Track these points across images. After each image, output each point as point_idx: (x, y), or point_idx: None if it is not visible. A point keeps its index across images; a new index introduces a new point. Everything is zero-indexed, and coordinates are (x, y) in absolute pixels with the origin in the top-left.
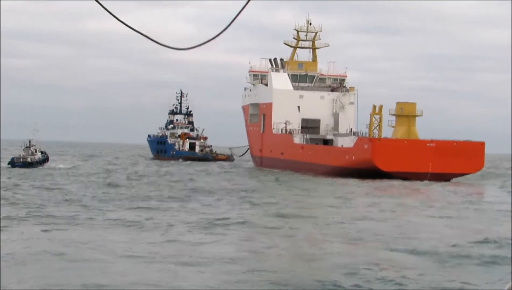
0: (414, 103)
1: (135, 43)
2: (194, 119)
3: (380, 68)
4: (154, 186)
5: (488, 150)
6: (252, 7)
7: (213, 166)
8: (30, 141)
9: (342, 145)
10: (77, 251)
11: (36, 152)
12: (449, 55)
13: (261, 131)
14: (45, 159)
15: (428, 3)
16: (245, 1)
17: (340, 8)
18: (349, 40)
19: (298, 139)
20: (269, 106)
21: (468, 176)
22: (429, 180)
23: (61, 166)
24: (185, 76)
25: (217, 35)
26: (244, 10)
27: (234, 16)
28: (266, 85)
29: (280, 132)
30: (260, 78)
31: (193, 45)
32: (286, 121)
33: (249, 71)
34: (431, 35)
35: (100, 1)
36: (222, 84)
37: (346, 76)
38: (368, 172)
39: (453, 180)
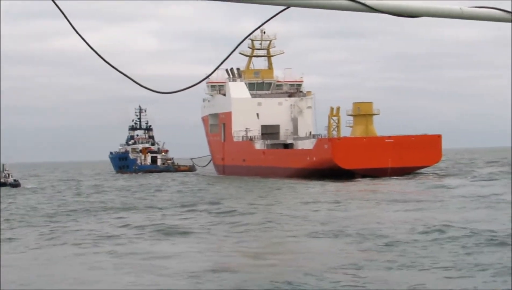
0: (371, 103)
1: (98, 61)
2: (155, 133)
3: (345, 71)
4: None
5: (450, 145)
6: (215, 18)
7: (174, 176)
8: (3, 165)
9: (302, 148)
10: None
11: (9, 176)
12: (412, 54)
13: (222, 140)
14: (17, 185)
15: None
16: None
17: (302, 14)
18: (312, 45)
19: (259, 145)
20: (228, 115)
21: (428, 168)
22: (390, 174)
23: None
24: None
25: (207, 77)
26: (211, 23)
27: (226, 56)
28: (224, 95)
29: (240, 139)
30: (218, 88)
31: (177, 89)
32: (246, 128)
33: (207, 82)
34: (394, 35)
35: (79, 33)
36: (183, 96)
37: (302, 81)
38: (329, 171)
39: (426, 176)
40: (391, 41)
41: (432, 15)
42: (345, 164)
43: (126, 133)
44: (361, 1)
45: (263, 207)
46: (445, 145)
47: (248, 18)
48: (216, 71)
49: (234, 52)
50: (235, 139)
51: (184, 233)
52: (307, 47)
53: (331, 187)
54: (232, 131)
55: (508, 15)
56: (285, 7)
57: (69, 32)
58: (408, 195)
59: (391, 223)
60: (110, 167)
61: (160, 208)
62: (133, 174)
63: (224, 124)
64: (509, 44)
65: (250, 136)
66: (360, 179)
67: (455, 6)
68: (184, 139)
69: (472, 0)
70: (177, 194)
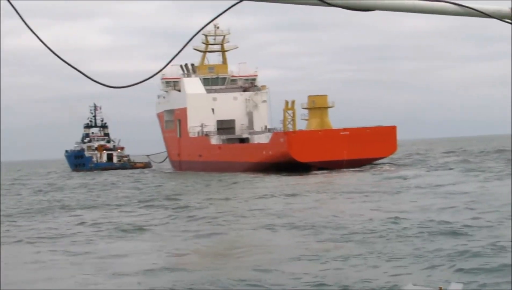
0: (325, 96)
1: (53, 59)
2: (110, 130)
3: (300, 64)
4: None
5: (405, 136)
6: (167, 13)
7: (130, 173)
8: None
9: (258, 142)
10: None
11: None
12: (366, 45)
13: (178, 136)
14: None
15: None
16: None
17: (256, 8)
18: (267, 39)
19: (215, 140)
20: (183, 111)
21: (384, 160)
22: (345, 167)
23: None
24: (104, 87)
25: (159, 71)
26: (165, 19)
27: (178, 50)
28: (179, 91)
29: (196, 135)
30: (172, 84)
31: (129, 84)
32: (202, 124)
33: (161, 79)
34: (348, 28)
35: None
36: (139, 92)
37: (256, 75)
38: (286, 164)
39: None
40: (345, 33)
41: (385, 8)
42: (301, 157)
43: (81, 131)
44: None
45: (220, 202)
46: (400, 136)
47: (202, 13)
48: (171, 67)
49: (188, 48)
50: (190, 135)
51: (140, 230)
52: (262, 41)
53: (288, 180)
54: (188, 127)
55: (461, 9)
56: (238, 0)
57: (22, 31)
58: (364, 187)
59: (348, 215)
60: (66, 165)
61: (117, 205)
62: (89, 172)
63: (179, 120)
64: (462, 35)
65: (206, 132)
66: (316, 172)
67: (407, 0)
68: (140, 136)
69: None
70: (134, 191)
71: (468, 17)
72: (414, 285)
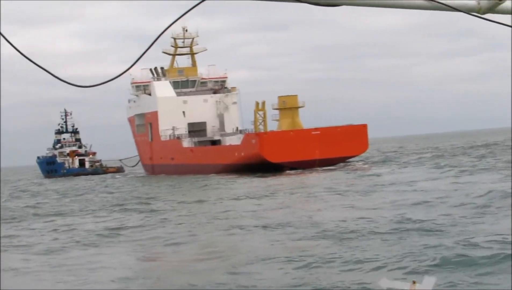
0: (296, 96)
1: (21, 65)
2: (82, 135)
3: (272, 64)
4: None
5: (376, 134)
6: (138, 15)
7: (102, 178)
8: None
9: (230, 144)
10: None
11: None
12: (338, 44)
13: (150, 140)
14: None
15: None
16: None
17: (227, 8)
18: (237, 40)
19: (186, 143)
20: (154, 114)
21: (356, 158)
22: (318, 166)
23: None
24: (75, 92)
25: (124, 71)
26: (133, 21)
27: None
28: (150, 94)
29: (168, 138)
30: (143, 88)
31: (96, 83)
32: (173, 127)
33: (131, 83)
34: (319, 27)
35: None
36: (110, 97)
37: (226, 77)
38: (258, 165)
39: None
40: (317, 32)
41: (352, 4)
42: (273, 157)
43: (52, 137)
44: None
45: (193, 205)
46: (372, 134)
47: (172, 15)
48: (141, 71)
49: (158, 51)
50: (162, 138)
51: (114, 236)
52: (233, 42)
53: (261, 181)
54: (159, 130)
55: (429, 3)
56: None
57: None
58: (336, 186)
59: (321, 214)
60: (38, 172)
61: (91, 211)
62: (62, 177)
63: (151, 124)
64: (432, 31)
65: (177, 135)
66: (289, 172)
67: None
68: (111, 140)
69: None
70: (106, 196)
71: (439, 13)
72: (388, 280)
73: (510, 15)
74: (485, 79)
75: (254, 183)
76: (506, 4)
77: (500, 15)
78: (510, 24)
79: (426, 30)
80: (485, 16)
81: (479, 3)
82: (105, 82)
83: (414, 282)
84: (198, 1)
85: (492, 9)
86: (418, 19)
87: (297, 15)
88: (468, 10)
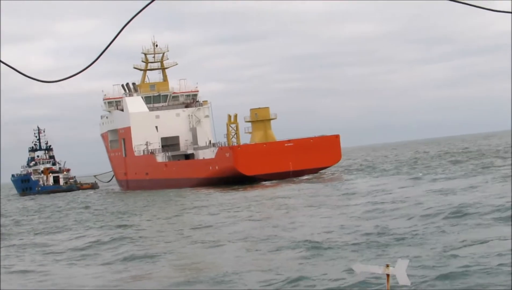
0: (267, 108)
1: None
2: (56, 152)
3: (245, 75)
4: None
5: (350, 143)
6: (109, 30)
7: (77, 195)
8: None
9: (203, 158)
10: None
11: None
12: (310, 53)
13: (123, 155)
14: None
15: (283, 4)
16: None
17: (196, 22)
18: (210, 52)
19: (160, 157)
20: (127, 130)
21: (330, 168)
22: (292, 177)
23: None
24: (50, 109)
25: (86, 68)
26: (105, 37)
27: (103, 49)
28: (122, 110)
29: (142, 153)
30: (115, 104)
31: (61, 78)
32: (147, 142)
33: (104, 99)
34: (291, 37)
35: None
36: (85, 113)
37: (197, 91)
38: (233, 179)
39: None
40: (287, 42)
41: None
42: (248, 171)
43: (26, 155)
44: None
45: (168, 219)
46: (345, 143)
47: (143, 30)
48: (112, 87)
49: (129, 67)
50: (136, 154)
51: (89, 254)
52: (204, 54)
53: (235, 194)
54: (133, 146)
55: None
56: (150, 1)
57: None
58: (310, 196)
59: (294, 224)
60: (13, 190)
61: (66, 229)
62: (37, 195)
63: (124, 139)
64: (405, 38)
65: (151, 150)
66: (264, 183)
67: None
68: (85, 157)
69: None
70: (81, 213)
71: (413, 19)
72: (362, 264)
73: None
74: (459, 85)
75: (229, 196)
76: None
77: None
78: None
79: (399, 38)
80: None
81: None
82: (68, 77)
83: (387, 266)
84: (149, 1)
85: None
86: (391, 27)
87: (268, 26)
88: None
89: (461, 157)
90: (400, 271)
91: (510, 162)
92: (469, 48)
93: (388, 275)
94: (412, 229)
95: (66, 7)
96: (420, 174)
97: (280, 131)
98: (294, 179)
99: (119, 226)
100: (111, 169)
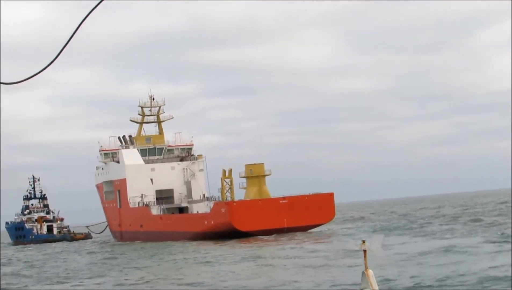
0: (262, 164)
1: None
2: (50, 201)
3: (240, 128)
4: None
5: (342, 199)
6: (107, 81)
7: (71, 246)
8: None
9: (197, 211)
10: None
11: None
12: (307, 108)
13: (118, 207)
14: None
15: (280, 58)
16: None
17: (193, 74)
18: (206, 104)
19: (155, 210)
20: (123, 182)
21: (323, 226)
22: (286, 233)
23: None
24: (46, 157)
25: (50, 64)
26: (103, 87)
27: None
28: (118, 162)
29: (137, 205)
30: (111, 156)
31: (22, 79)
32: (142, 194)
33: (100, 150)
34: (288, 90)
35: None
36: (80, 162)
37: (192, 144)
38: (228, 234)
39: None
40: (284, 96)
41: None
42: (243, 226)
43: (19, 202)
44: None
45: (166, 271)
46: (339, 199)
47: (139, 80)
48: (109, 139)
49: (126, 119)
50: (131, 205)
51: None
52: (201, 106)
53: (228, 249)
54: (128, 197)
55: None
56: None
57: None
58: (304, 254)
59: (283, 283)
60: (6, 237)
61: (63, 278)
62: (31, 243)
63: (119, 191)
64: (402, 95)
65: (146, 202)
66: (256, 239)
67: None
68: (78, 205)
69: None
70: (78, 263)
71: (409, 76)
72: (339, 242)
73: None
74: (456, 143)
75: (223, 250)
76: None
77: None
78: None
79: (396, 95)
80: None
81: None
82: (29, 78)
83: (363, 242)
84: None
85: None
86: (388, 84)
87: (266, 80)
88: None
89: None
90: (376, 245)
91: None
92: (467, 105)
93: (365, 251)
94: None
95: (63, 56)
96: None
97: (275, 186)
98: (287, 235)
99: (118, 277)
100: (103, 220)
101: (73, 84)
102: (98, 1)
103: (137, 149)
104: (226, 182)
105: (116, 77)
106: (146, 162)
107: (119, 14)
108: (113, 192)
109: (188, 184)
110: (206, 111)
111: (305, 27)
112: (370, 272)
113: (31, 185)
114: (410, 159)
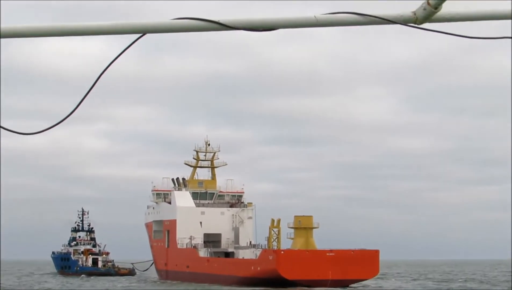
0: (311, 217)
1: (46, 160)
2: (97, 234)
3: (293, 178)
4: None
5: (389, 256)
6: (166, 122)
7: (118, 281)
8: None
9: (243, 257)
10: None
11: None
12: (361, 163)
13: (166, 246)
14: None
15: (339, 112)
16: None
17: (253, 120)
18: (263, 152)
19: (203, 252)
20: (173, 222)
21: (367, 281)
22: (330, 286)
23: None
24: (98, 191)
25: (72, 112)
26: (162, 127)
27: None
28: (170, 203)
29: (185, 246)
30: (163, 196)
31: (40, 129)
32: (191, 236)
33: (152, 190)
34: (343, 144)
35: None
36: (131, 198)
37: (243, 192)
38: (273, 281)
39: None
40: (339, 149)
41: (287, 26)
42: (289, 275)
43: (66, 233)
44: (215, 20)
45: None
46: (384, 256)
47: (198, 124)
48: (162, 180)
49: (181, 162)
50: (179, 246)
51: None
52: (256, 153)
53: None
54: (177, 238)
55: (363, 18)
56: (141, 34)
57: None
58: None
59: None
60: (51, 266)
61: None
62: (75, 275)
63: (168, 231)
64: (457, 158)
65: (194, 244)
66: (302, 288)
67: (309, 15)
68: (125, 241)
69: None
70: None
71: (466, 139)
72: None
73: (448, 23)
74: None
75: None
76: (441, 13)
77: (437, 24)
78: (447, 32)
79: (451, 156)
80: (423, 26)
81: (415, 14)
82: (45, 129)
83: None
84: (139, 35)
85: (428, 18)
86: (445, 145)
87: (322, 131)
88: (404, 21)
89: None
90: None
91: None
92: None
93: None
94: None
95: (121, 92)
96: None
97: (322, 238)
98: (330, 287)
99: None
100: (148, 257)
101: (132, 120)
102: (136, 38)
103: (189, 192)
104: (274, 231)
105: (176, 117)
106: (197, 205)
107: (186, 56)
108: (162, 231)
109: (236, 230)
110: (260, 158)
111: (367, 82)
112: None
113: (79, 217)
114: (463, 222)
